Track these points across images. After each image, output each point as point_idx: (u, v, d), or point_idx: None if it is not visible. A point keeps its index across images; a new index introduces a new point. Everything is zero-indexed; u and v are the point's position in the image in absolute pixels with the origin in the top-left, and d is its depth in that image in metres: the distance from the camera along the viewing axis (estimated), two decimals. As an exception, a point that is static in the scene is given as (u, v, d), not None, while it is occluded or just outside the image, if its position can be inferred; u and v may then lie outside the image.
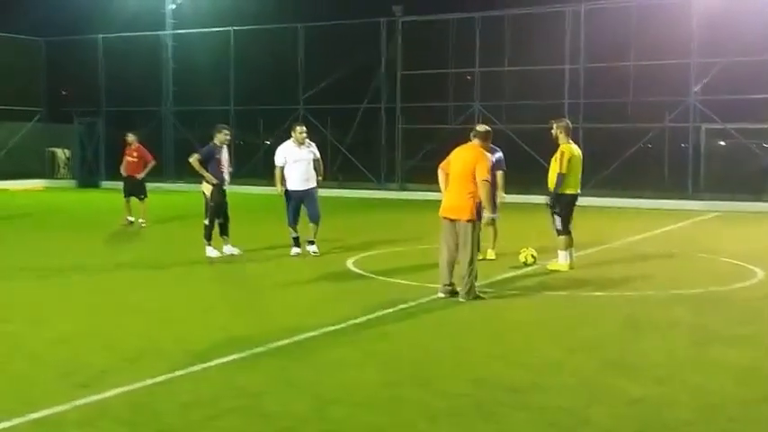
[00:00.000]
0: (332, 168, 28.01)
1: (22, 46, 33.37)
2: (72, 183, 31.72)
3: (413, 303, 8.67)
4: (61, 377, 5.97)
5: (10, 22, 33.67)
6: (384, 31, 28.38)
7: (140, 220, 16.56)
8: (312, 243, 12.23)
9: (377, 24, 28.37)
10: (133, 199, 16.67)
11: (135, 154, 16.89)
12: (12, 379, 5.98)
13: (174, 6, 32.06)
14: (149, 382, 5.82)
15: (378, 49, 28.62)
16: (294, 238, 12.32)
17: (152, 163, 17.08)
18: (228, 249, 12.38)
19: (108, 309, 8.60)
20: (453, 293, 8.91)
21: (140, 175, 16.73)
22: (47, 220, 18.80)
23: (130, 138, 17.09)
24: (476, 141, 9.20)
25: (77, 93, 34.44)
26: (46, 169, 33.17)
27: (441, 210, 9.11)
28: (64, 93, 35.46)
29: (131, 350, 6.75)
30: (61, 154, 33.60)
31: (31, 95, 33.48)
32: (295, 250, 12.27)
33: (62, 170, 33.42)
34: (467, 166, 8.86)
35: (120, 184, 17.28)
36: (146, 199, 16.69)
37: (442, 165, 9.21)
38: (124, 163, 16.98)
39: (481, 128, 9.40)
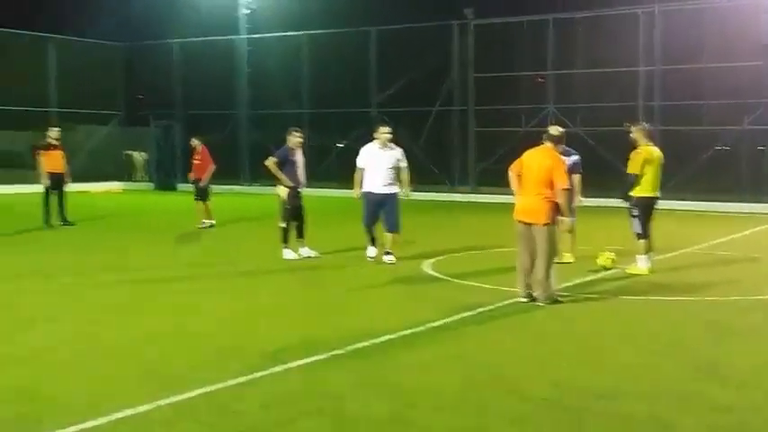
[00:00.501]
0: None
1: (102, 51, 34.27)
2: (150, 185, 32.42)
3: (491, 307, 8.59)
4: (145, 377, 6.07)
5: (90, 27, 34.67)
6: (456, 33, 28.30)
7: (204, 222, 16.87)
8: (389, 253, 11.75)
9: (448, 27, 28.30)
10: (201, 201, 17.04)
11: (198, 157, 17.27)
12: (96, 378, 6.09)
13: (248, 11, 32.52)
14: (231, 382, 5.85)
15: (449, 52, 28.54)
16: (370, 239, 11.90)
17: (211, 167, 17.31)
18: (305, 251, 12.46)
19: (187, 310, 8.73)
20: (532, 298, 8.78)
21: (203, 181, 17.05)
22: (125, 222, 19.20)
23: (194, 142, 17.56)
24: (548, 144, 9.04)
25: (154, 97, 35.17)
26: (123, 172, 33.98)
27: (515, 213, 8.96)
28: (141, 96, 36.27)
29: (212, 351, 6.83)
30: (138, 157, 34.38)
31: (110, 99, 34.37)
32: (371, 251, 11.90)
33: (139, 173, 34.19)
34: (543, 172, 8.70)
35: (189, 188, 17.62)
36: (208, 202, 17.00)
37: (512, 167, 9.07)
38: (192, 167, 17.39)
39: (554, 130, 9.22)
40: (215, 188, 18.21)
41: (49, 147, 17.15)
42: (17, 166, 30.69)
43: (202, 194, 17.10)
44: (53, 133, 17.35)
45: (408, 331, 7.45)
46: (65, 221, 17.06)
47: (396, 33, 29.27)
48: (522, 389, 5.79)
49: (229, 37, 32.80)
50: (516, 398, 5.59)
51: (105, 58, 34.22)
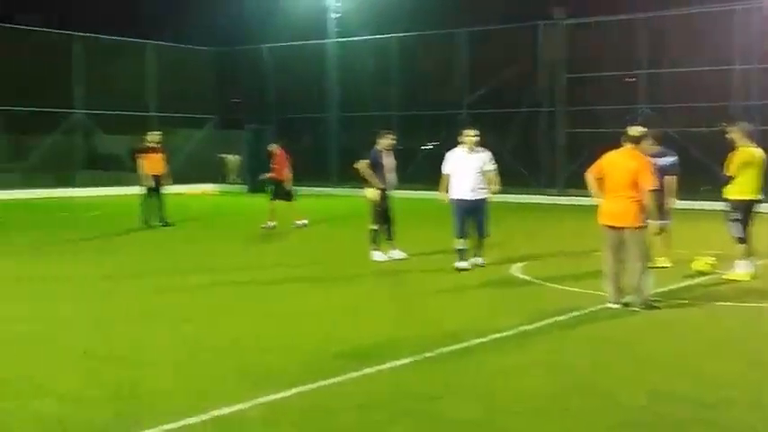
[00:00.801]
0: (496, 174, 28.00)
1: (197, 56, 35.25)
2: (243, 187, 33.11)
3: (583, 311, 8.46)
4: (241, 376, 6.19)
5: (186, 33, 35.67)
6: (545, 33, 28.00)
7: (270, 223, 17.18)
8: (479, 257, 11.50)
9: (538, 27, 28.03)
10: (280, 202, 17.40)
11: (275, 161, 17.68)
12: (193, 376, 6.26)
13: (337, 15, 32.89)
14: (324, 383, 5.93)
15: (539, 53, 28.26)
16: (460, 251, 11.35)
17: (284, 171, 17.58)
18: (394, 253, 12.52)
19: (279, 310, 8.90)
20: (624, 303, 8.60)
21: (286, 183, 17.46)
22: (220, 224, 19.66)
23: (272, 147, 18.13)
24: (630, 146, 8.76)
25: (247, 100, 35.95)
26: (218, 174, 34.78)
27: (601, 217, 8.74)
28: (237, 101, 37.10)
29: (305, 351, 6.94)
30: (232, 159, 35.16)
31: (205, 103, 35.28)
32: (460, 264, 11.29)
33: (233, 175, 34.96)
34: (629, 174, 8.49)
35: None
36: (274, 202, 17.40)
37: (591, 170, 8.86)
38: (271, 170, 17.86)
39: (634, 131, 8.86)
40: (304, 189, 18.48)
41: (149, 150, 17.73)
42: (117, 168, 31.84)
43: (285, 195, 17.46)
44: (153, 137, 17.94)
45: (498, 335, 7.41)
46: (163, 222, 17.61)
47: (485, 35, 29.15)
48: (617, 397, 5.69)
49: (319, 41, 33.24)
50: (612, 406, 5.50)
51: (201, 64, 35.18)
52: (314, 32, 33.48)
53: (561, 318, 8.17)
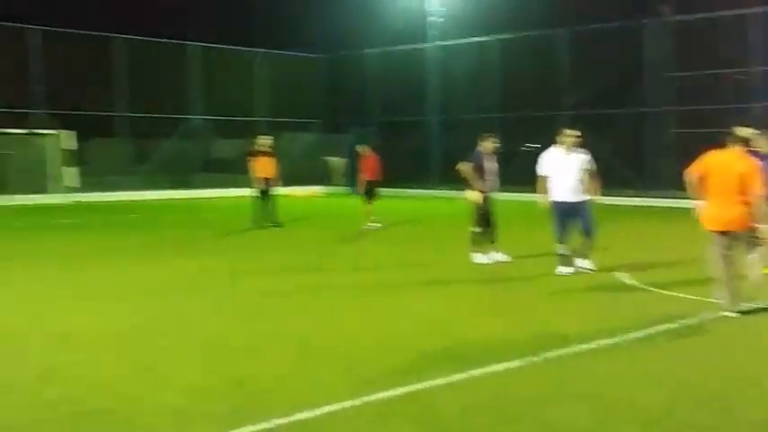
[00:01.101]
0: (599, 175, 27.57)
1: (303, 62, 36.11)
2: (348, 189, 33.62)
3: (694, 319, 8.25)
4: (349, 374, 6.35)
5: (293, 41, 36.54)
6: (650, 32, 27.38)
7: (369, 224, 17.90)
8: (584, 258, 11.20)
9: (643, 25, 27.43)
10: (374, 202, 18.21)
11: (362, 163, 18.49)
12: (306, 373, 6.45)
13: (439, 19, 33.03)
14: (430, 383, 6.02)
15: (644, 51, 27.66)
16: (562, 255, 11.20)
17: (369, 174, 18.32)
18: (496, 256, 12.55)
19: (384, 311, 9.06)
20: (740, 311, 8.31)
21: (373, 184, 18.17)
22: (326, 224, 20.07)
23: (359, 148, 18.87)
24: (738, 147, 8.39)
25: (351, 105, 36.53)
26: (323, 177, 35.46)
27: (707, 222, 8.43)
28: (340, 104, 37.72)
29: (411, 350, 7.04)
30: (337, 162, 35.78)
31: (312, 108, 36.06)
32: (563, 270, 11.11)
33: (338, 178, 35.57)
34: (736, 177, 8.17)
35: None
36: (372, 203, 18.04)
37: (693, 168, 8.51)
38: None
39: (744, 132, 8.50)
40: (407, 191, 18.68)
41: (260, 153, 18.31)
42: (231, 171, 32.94)
43: (368, 196, 18.19)
44: (264, 141, 18.52)
45: (605, 341, 7.34)
46: (273, 223, 18.15)
47: (587, 34, 28.73)
48: (734, 409, 5.52)
49: (420, 45, 33.44)
50: (729, 419, 5.33)
51: (308, 70, 36.01)
52: (415, 36, 33.74)
53: (671, 325, 7.99)
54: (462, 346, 7.21)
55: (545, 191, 11.12)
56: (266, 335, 7.81)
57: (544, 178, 11.14)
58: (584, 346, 7.15)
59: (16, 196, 27.67)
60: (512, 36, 30.73)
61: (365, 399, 5.68)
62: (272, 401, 5.68)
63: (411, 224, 18.01)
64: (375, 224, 18.00)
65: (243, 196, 22.77)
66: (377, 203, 18.50)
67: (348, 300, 9.75)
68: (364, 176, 18.35)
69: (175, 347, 7.27)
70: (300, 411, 5.40)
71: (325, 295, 10.02)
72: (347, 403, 5.58)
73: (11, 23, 29.05)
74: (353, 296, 10.00)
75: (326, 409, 5.47)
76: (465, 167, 12.44)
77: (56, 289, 10.51)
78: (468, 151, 12.84)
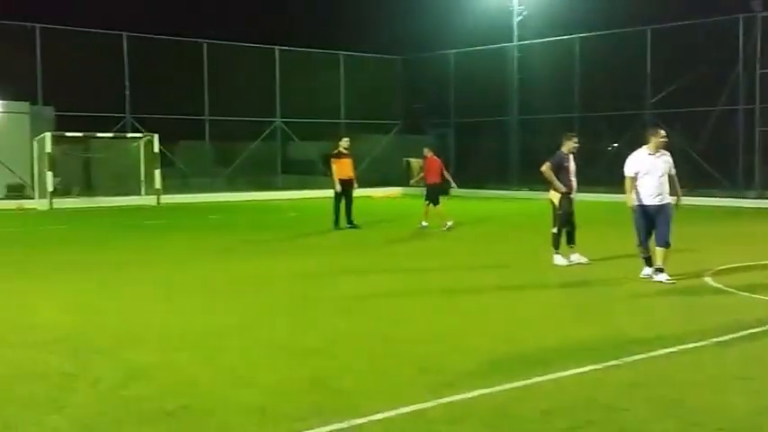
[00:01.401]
0: (682, 175, 26.96)
1: (383, 64, 36.30)
2: (424, 191, 33.64)
3: (785, 324, 7.95)
4: (423, 375, 6.34)
5: (372, 42, 36.81)
6: (741, 28, 26.59)
7: (423, 224, 18.26)
8: (661, 271, 10.67)
9: (733, 22, 26.65)
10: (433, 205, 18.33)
11: (425, 165, 18.83)
12: (383, 373, 6.49)
13: (520, 18, 32.80)
14: (507, 386, 5.98)
15: (733, 48, 26.86)
16: (645, 258, 10.91)
17: (431, 176, 18.60)
18: (576, 258, 12.40)
19: (463, 311, 9.05)
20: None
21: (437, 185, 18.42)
22: (404, 225, 20.11)
23: (424, 151, 19.16)
24: None
25: (430, 105, 36.59)
26: (402, 178, 35.54)
27: None
28: (419, 106, 37.83)
29: (488, 353, 7.02)
30: (415, 164, 35.83)
31: (390, 109, 36.23)
32: (647, 271, 10.85)
33: (416, 178, 35.63)
34: None
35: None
36: (438, 206, 18.29)
37: None
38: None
39: None
40: (486, 192, 18.60)
41: (340, 155, 18.48)
42: (310, 172, 33.41)
43: (432, 198, 18.34)
44: (344, 143, 18.69)
45: (689, 345, 7.17)
46: (351, 224, 18.30)
47: (672, 31, 28.08)
48: None
49: (499, 45, 33.25)
50: None
51: (388, 71, 36.20)
52: (494, 36, 33.58)
53: (758, 330, 7.75)
54: (540, 349, 7.15)
55: (631, 191, 10.79)
56: (344, 335, 7.87)
57: (632, 179, 10.78)
58: (666, 351, 7.01)
59: (105, 198, 28.58)
60: (592, 34, 30.27)
61: (441, 401, 5.68)
62: (349, 402, 5.72)
63: (489, 225, 17.93)
64: (449, 223, 18.02)
65: (321, 198, 23.03)
66: (445, 204, 18.54)
67: (424, 301, 9.76)
68: (430, 178, 18.57)
69: (255, 347, 7.39)
70: (377, 412, 5.43)
71: (402, 296, 10.07)
72: (423, 405, 5.58)
73: (101, 30, 30.02)
74: (429, 297, 10.01)
75: (402, 410, 5.48)
76: (546, 168, 12.34)
77: (140, 288, 10.80)
78: (547, 151, 12.72)
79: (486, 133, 34.47)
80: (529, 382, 6.11)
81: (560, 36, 31.43)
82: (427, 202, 18.47)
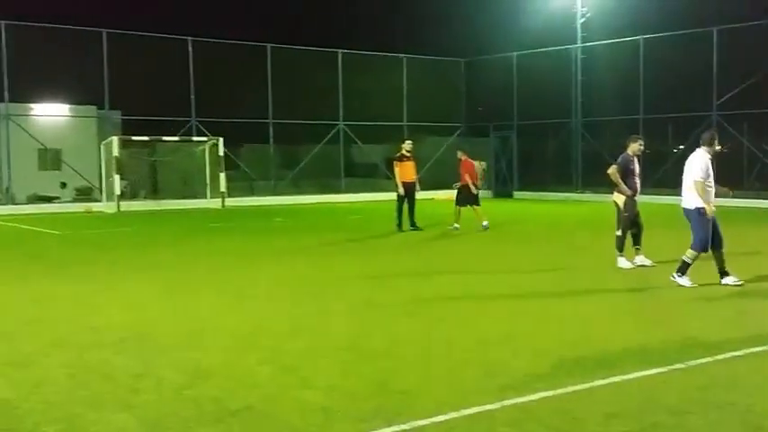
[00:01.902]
0: (749, 177, 26.32)
1: (446, 66, 36.25)
2: (488, 193, 33.48)
3: None
4: (488, 377, 6.34)
5: (435, 45, 36.81)
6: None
7: (484, 223, 18.40)
8: (726, 274, 10.39)
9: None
10: (467, 207, 18.59)
11: (461, 167, 18.81)
12: (446, 375, 6.50)
13: (583, 19, 32.43)
14: (570, 389, 5.95)
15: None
16: (723, 268, 10.51)
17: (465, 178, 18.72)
18: (640, 260, 12.23)
19: (526, 314, 9.02)
20: None
21: (475, 189, 18.57)
22: (461, 228, 20.02)
23: (458, 154, 19.34)
24: None
25: (492, 108, 36.41)
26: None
27: None
28: (480, 109, 37.69)
29: (552, 355, 6.97)
30: (478, 166, 35.68)
31: (453, 112, 36.17)
32: (727, 281, 10.49)
33: (479, 181, 35.51)
34: None
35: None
36: (478, 207, 18.65)
37: None
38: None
39: None
40: (549, 195, 18.43)
41: (402, 158, 18.52)
42: (372, 175, 33.56)
43: (466, 201, 18.56)
44: (406, 146, 18.72)
45: (757, 349, 7.03)
46: (414, 226, 18.32)
47: (738, 32, 27.43)
48: None
49: (565, 47, 32.92)
50: None
51: (451, 74, 36.15)
52: (559, 38, 33.27)
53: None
54: (604, 352, 7.07)
55: (704, 195, 10.34)
56: (407, 338, 7.89)
57: (701, 183, 10.35)
58: (731, 354, 6.89)
59: (171, 201, 29.12)
60: (657, 35, 29.75)
61: (503, 403, 5.67)
62: (412, 403, 5.73)
63: (552, 227, 17.77)
64: (485, 223, 18.46)
65: (384, 200, 23.10)
66: (483, 204, 18.82)
67: (487, 303, 9.74)
68: (465, 180, 18.66)
69: (318, 349, 7.46)
70: (441, 414, 5.44)
71: (465, 299, 10.06)
72: (486, 407, 5.58)
73: (167, 35, 30.61)
74: (493, 300, 9.98)
75: (465, 412, 5.48)
76: (613, 171, 12.23)
77: (206, 289, 10.98)
78: (611, 154, 12.57)
79: (549, 136, 34.18)
80: (592, 384, 6.06)
81: (624, 37, 30.97)
82: (464, 205, 18.58)
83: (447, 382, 6.26)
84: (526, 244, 16.26)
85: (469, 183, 18.51)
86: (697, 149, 10.51)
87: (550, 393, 5.85)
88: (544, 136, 34.32)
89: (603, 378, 6.19)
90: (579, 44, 32.59)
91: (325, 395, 5.94)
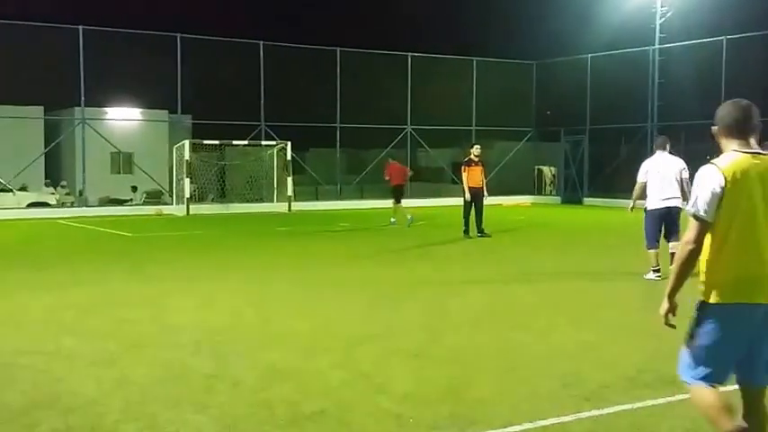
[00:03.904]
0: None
1: (516, 70, 35.91)
2: (557, 199, 33.07)
3: None
4: (563, 388, 6.22)
5: (505, 47, 36.56)
6: None
7: (392, 220, 22.15)
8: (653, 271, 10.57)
9: None
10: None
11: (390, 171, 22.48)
12: (519, 384, 6.39)
13: (662, 20, 31.75)
14: (649, 403, 5.81)
15: None
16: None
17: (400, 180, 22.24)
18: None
19: (596, 324, 8.84)
20: None
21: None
22: (534, 235, 19.87)
23: (390, 160, 23.58)
24: None
25: (563, 112, 35.95)
26: (533, 186, 35.10)
27: None
28: (548, 113, 37.28)
29: (628, 368, 6.79)
30: (547, 171, 35.31)
31: (523, 116, 35.81)
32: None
33: (548, 187, 35.12)
34: None
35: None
36: (400, 205, 22.32)
37: None
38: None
39: None
40: (622, 202, 18.04)
41: (470, 163, 18.40)
42: (439, 180, 33.41)
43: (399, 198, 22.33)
44: (475, 150, 18.59)
45: None
46: (481, 232, 18.19)
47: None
48: None
49: (642, 48, 32.27)
50: None
51: (519, 76, 35.80)
52: (635, 40, 32.63)
53: None
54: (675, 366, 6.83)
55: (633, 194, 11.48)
56: (478, 346, 7.80)
57: (638, 184, 11.34)
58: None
59: (238, 205, 29.49)
60: (741, 36, 28.95)
61: (579, 415, 5.57)
62: (486, 412, 5.66)
63: (626, 235, 17.32)
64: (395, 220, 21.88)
65: (451, 206, 22.97)
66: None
67: (560, 313, 9.58)
68: (395, 180, 22.38)
69: (390, 355, 7.42)
70: (515, 424, 5.37)
71: (537, 307, 9.93)
72: (561, 419, 5.49)
73: (238, 39, 31.05)
74: (566, 309, 9.82)
75: (540, 423, 5.40)
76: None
77: (277, 293, 11.08)
78: (690, 159, 12.25)
79: (622, 141, 33.58)
80: (671, 399, 5.89)
81: (705, 38, 30.21)
82: (399, 201, 22.37)
83: (521, 392, 6.16)
84: (598, 251, 15.97)
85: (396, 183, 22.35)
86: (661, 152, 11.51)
87: (627, 407, 5.72)
88: (617, 141, 33.75)
89: (683, 393, 5.98)
90: (657, 45, 31.89)
91: (397, 401, 5.90)
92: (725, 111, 4.38)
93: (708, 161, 4.30)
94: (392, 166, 23.03)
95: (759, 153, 4.23)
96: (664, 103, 31.31)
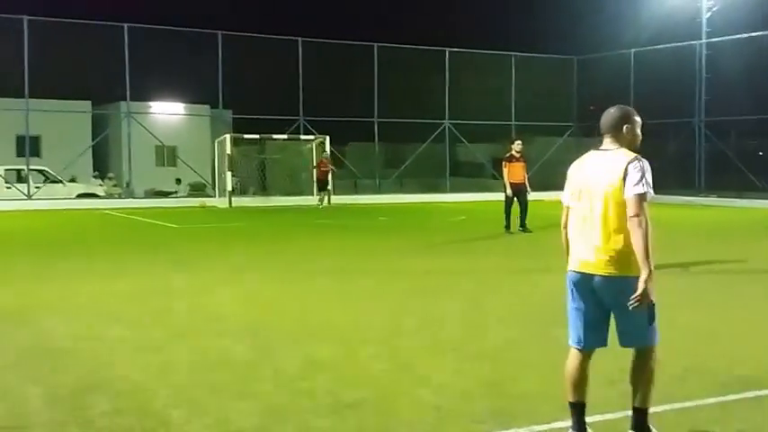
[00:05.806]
0: None
1: (557, 64, 35.58)
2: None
3: None
4: (610, 385, 6.06)
5: (547, 43, 36.21)
6: None
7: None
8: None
9: None
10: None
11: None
12: (561, 382, 6.27)
13: (709, 14, 31.19)
14: (700, 402, 5.67)
15: None
16: None
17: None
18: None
19: (677, 325, 8.62)
20: None
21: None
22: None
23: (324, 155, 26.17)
24: None
25: (606, 107, 35.41)
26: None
27: None
28: (592, 108, 36.86)
29: (675, 367, 6.60)
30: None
31: (564, 111, 35.47)
32: None
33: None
34: None
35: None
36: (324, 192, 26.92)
37: None
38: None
39: None
40: (669, 199, 17.70)
41: (512, 159, 18.25)
42: (478, 175, 33.26)
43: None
44: (516, 146, 18.43)
45: None
46: (523, 227, 18.04)
47: None
48: None
49: (689, 43, 31.75)
50: None
51: (560, 72, 35.47)
52: (681, 34, 32.11)
53: None
54: (735, 364, 6.68)
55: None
56: (520, 341, 7.68)
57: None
58: None
59: (278, 198, 29.65)
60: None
61: (627, 413, 5.34)
62: (529, 407, 5.57)
63: (675, 233, 17.01)
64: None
65: (491, 201, 22.82)
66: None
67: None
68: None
69: (431, 347, 7.35)
70: (560, 420, 5.25)
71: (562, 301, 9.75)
72: (608, 416, 5.37)
73: (278, 36, 31.18)
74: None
75: (586, 420, 5.21)
76: None
77: (318, 284, 11.07)
78: (738, 155, 12.01)
79: (669, 136, 33.03)
80: (722, 399, 5.73)
81: (755, 32, 29.58)
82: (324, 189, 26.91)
83: (561, 387, 6.04)
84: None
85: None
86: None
87: (677, 406, 5.57)
88: (663, 136, 33.17)
89: (736, 393, 5.84)
90: (705, 40, 31.29)
91: (438, 393, 5.84)
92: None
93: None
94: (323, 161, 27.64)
95: None
96: (711, 98, 30.75)
